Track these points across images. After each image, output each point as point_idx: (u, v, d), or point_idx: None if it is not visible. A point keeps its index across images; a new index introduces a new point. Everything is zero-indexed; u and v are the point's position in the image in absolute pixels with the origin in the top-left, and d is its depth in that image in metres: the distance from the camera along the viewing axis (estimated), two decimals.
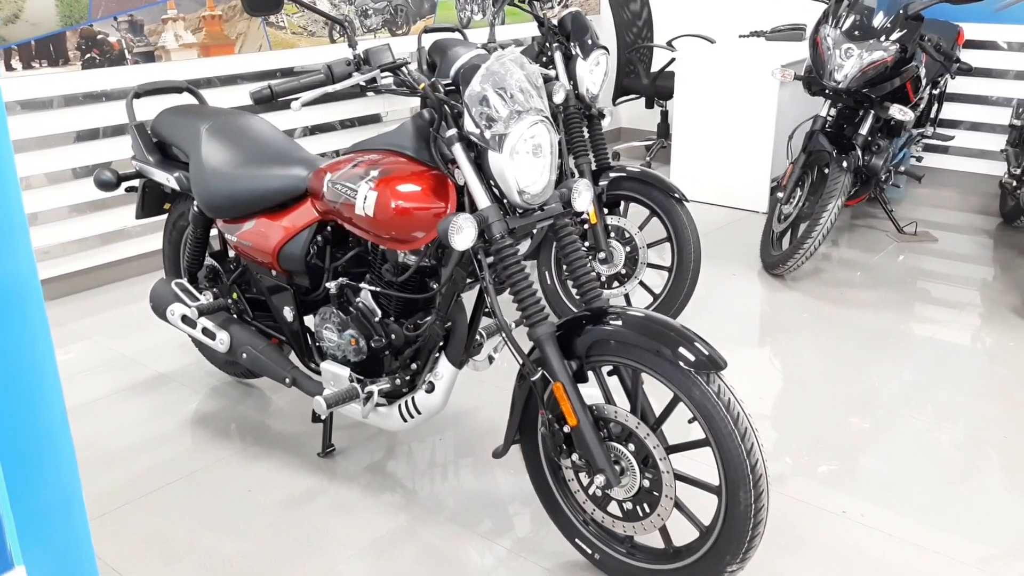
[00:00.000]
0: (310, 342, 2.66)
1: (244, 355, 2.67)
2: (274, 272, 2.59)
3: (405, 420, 2.38)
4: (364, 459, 2.72)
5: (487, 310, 2.47)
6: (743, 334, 3.57)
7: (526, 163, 2.01)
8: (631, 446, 1.99)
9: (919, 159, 4.94)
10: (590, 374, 2.07)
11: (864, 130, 3.98)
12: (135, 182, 3.05)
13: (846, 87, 3.85)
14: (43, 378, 0.80)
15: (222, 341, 2.71)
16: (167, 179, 2.86)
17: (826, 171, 4.07)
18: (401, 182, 2.15)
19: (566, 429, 2.04)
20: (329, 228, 2.48)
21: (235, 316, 2.79)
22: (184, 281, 2.87)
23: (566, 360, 2.02)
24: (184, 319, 2.80)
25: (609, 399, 2.07)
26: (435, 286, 2.34)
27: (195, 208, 2.81)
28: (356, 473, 2.65)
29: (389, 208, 2.15)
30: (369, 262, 2.44)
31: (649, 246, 3.35)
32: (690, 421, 1.94)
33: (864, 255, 4.41)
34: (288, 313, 2.62)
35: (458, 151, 2.04)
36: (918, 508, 2.45)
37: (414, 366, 2.38)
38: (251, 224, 2.60)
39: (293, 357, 2.72)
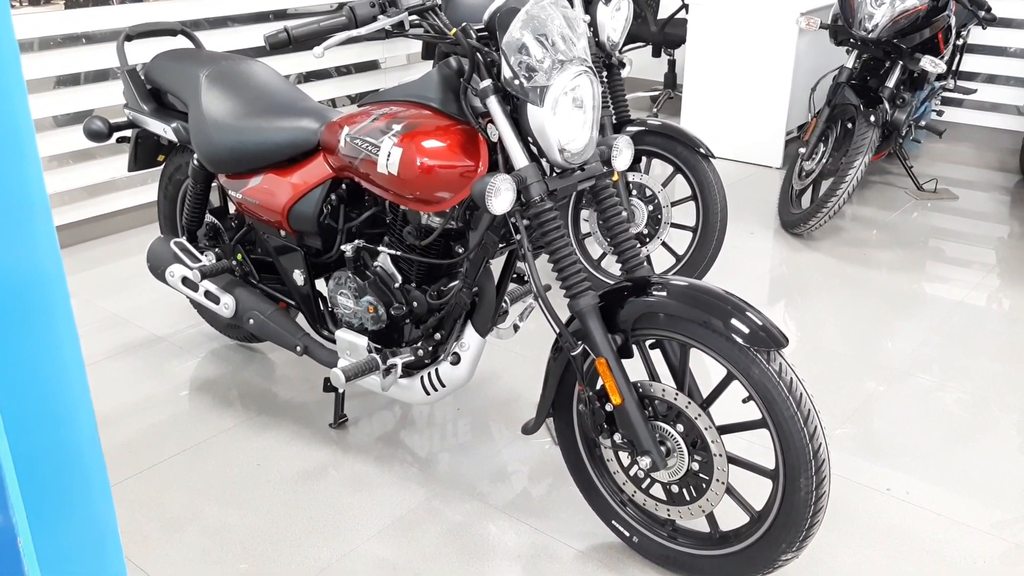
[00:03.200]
0: (322, 307, 2.49)
1: (251, 321, 2.50)
2: (283, 232, 2.41)
3: (428, 393, 2.22)
4: (378, 430, 2.58)
5: (515, 275, 2.32)
6: (764, 296, 3.43)
7: (568, 118, 1.83)
8: (679, 427, 1.85)
9: (939, 113, 4.77)
10: (633, 348, 1.92)
11: (891, 82, 3.80)
12: (127, 132, 2.85)
13: (877, 37, 3.66)
14: (71, 393, 0.63)
15: (227, 305, 2.53)
16: (164, 130, 2.66)
17: (850, 126, 3.90)
18: (428, 137, 1.97)
19: (608, 407, 1.90)
20: (344, 186, 2.30)
21: (240, 278, 2.61)
22: (184, 240, 2.68)
23: (610, 334, 1.86)
24: (185, 281, 2.62)
25: (654, 375, 1.93)
26: (461, 250, 2.18)
27: (195, 162, 2.62)
28: (370, 445, 2.50)
29: (415, 166, 1.97)
30: (388, 223, 2.26)
31: (672, 204, 3.19)
32: (745, 400, 1.80)
33: (883, 213, 4.26)
34: (298, 276, 2.44)
35: (493, 104, 1.86)
36: (934, 471, 2.34)
37: (437, 336, 2.22)
38: (258, 180, 2.41)
39: (303, 322, 2.56)
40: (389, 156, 2.00)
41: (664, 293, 1.83)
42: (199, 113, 2.48)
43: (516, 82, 1.81)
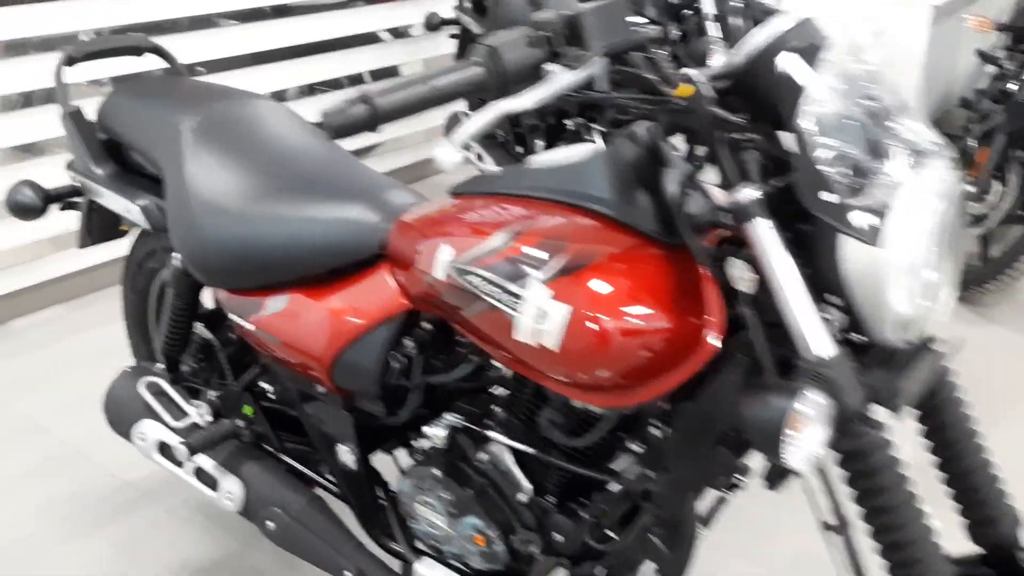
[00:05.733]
0: (380, 496, 1.57)
1: (271, 524, 1.58)
2: (322, 388, 1.50)
3: None
4: None
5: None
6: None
7: (917, 258, 0.94)
8: None
9: None
10: None
11: None
12: (75, 198, 1.92)
13: None
14: None
15: (230, 495, 1.61)
16: (126, 209, 1.73)
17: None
18: (617, 281, 1.06)
19: None
20: (426, 324, 1.38)
21: (250, 445, 1.69)
22: (161, 380, 1.75)
23: None
24: (164, 450, 1.69)
25: None
26: (640, 450, 1.26)
27: (177, 264, 1.68)
28: None
29: (592, 336, 1.06)
30: (510, 393, 1.35)
31: None
32: None
33: None
34: (345, 454, 1.53)
35: (764, 233, 0.96)
36: None
37: None
38: (280, 303, 1.49)
39: (350, 518, 1.64)
40: (543, 317, 1.08)
41: None
42: (182, 190, 1.56)
43: (823, 196, 0.91)
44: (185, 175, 1.57)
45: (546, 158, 1.21)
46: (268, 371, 1.67)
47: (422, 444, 1.49)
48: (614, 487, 1.30)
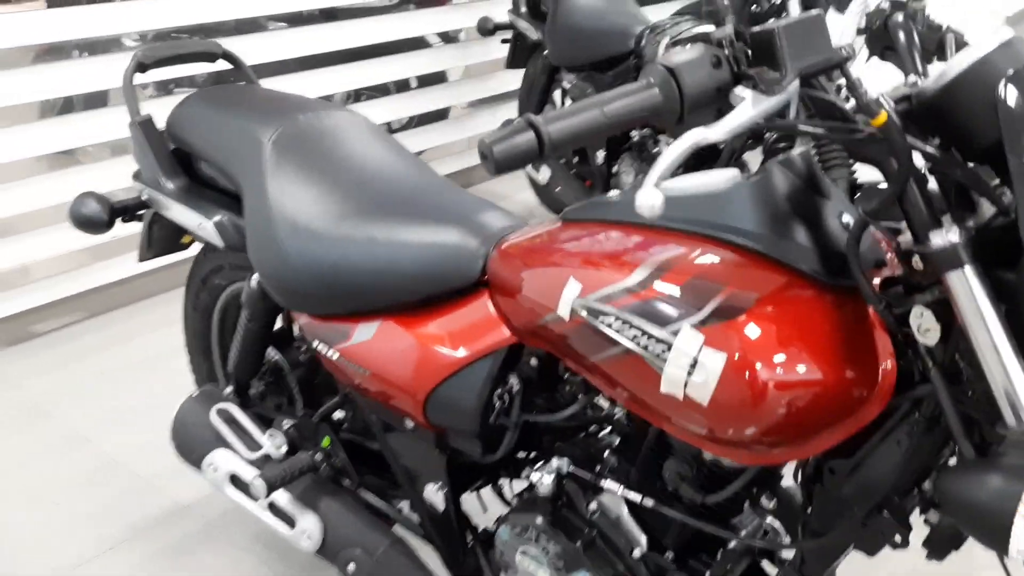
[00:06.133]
0: (469, 541, 1.47)
1: (352, 566, 1.48)
2: (411, 423, 1.40)
3: None
4: None
5: None
6: None
7: None
8: None
9: None
10: None
11: None
12: (141, 210, 1.83)
13: None
14: None
15: (307, 533, 1.51)
16: (199, 225, 1.64)
17: None
18: (780, 329, 0.96)
19: None
20: (533, 359, 1.28)
21: (328, 479, 1.59)
22: (232, 407, 1.65)
23: None
24: (236, 482, 1.59)
25: None
26: (770, 503, 1.16)
27: (253, 285, 1.59)
28: None
29: (750, 391, 0.95)
30: (624, 438, 1.25)
31: None
32: None
33: None
34: (434, 494, 1.43)
35: (970, 280, 0.85)
36: None
37: None
38: (368, 331, 1.40)
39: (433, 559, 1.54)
40: (696, 367, 0.98)
41: None
42: (264, 208, 1.46)
43: None
44: (267, 191, 1.47)
45: (677, 184, 1.10)
46: (348, 401, 1.57)
47: (517, 487, 1.40)
48: (735, 542, 1.20)
